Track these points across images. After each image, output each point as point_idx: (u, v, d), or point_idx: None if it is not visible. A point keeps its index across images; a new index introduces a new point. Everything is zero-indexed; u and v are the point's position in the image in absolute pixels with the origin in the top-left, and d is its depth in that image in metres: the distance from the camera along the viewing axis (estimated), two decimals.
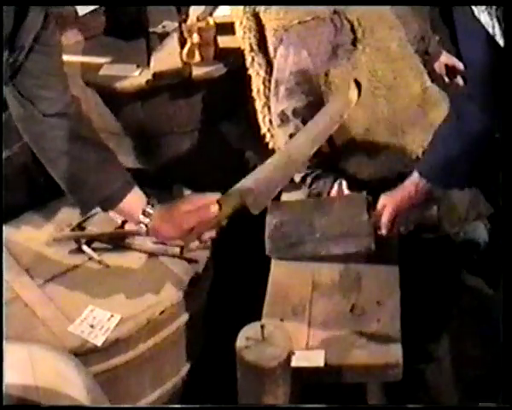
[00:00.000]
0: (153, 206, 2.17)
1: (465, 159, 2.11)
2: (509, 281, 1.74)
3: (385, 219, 2.32)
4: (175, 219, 2.14)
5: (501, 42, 1.62)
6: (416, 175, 2.25)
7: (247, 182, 2.17)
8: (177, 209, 2.16)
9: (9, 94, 2.08)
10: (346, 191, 2.54)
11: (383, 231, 2.34)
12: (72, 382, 1.81)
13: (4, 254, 2.45)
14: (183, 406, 2.37)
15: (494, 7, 1.61)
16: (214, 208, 2.11)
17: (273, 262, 2.40)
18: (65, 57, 2.83)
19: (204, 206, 2.12)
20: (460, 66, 3.00)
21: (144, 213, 2.15)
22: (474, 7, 1.64)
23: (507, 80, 1.64)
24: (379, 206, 2.35)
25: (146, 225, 2.16)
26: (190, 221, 2.13)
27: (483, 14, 1.63)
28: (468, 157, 2.11)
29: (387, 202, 2.32)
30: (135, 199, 2.17)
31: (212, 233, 2.22)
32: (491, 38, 1.64)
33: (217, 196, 2.13)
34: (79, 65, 2.98)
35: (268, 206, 2.39)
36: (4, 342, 1.83)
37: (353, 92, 2.42)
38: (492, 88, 1.74)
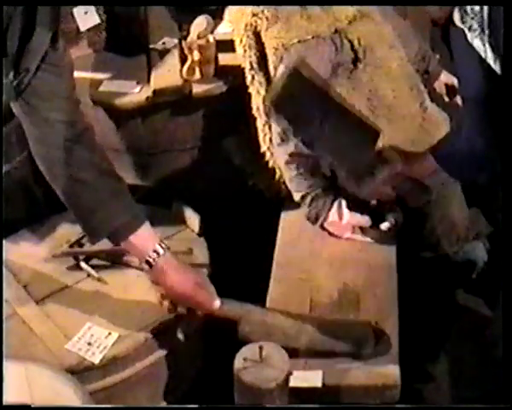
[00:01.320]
0: (166, 247, 2.18)
1: (478, 158, 2.10)
2: (509, 300, 1.73)
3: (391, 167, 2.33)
4: (183, 278, 2.19)
5: (495, 67, 1.62)
6: (428, 154, 2.26)
7: (253, 314, 2.21)
8: (190, 272, 2.22)
9: (23, 113, 2.07)
10: (346, 211, 2.54)
11: (378, 177, 2.34)
12: (68, 401, 1.81)
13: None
14: (184, 406, 2.37)
15: (486, 32, 1.62)
16: (215, 306, 2.19)
17: (271, 280, 2.40)
18: None
19: (209, 295, 2.19)
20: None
21: (156, 251, 2.16)
22: (467, 32, 1.64)
23: (506, 93, 1.64)
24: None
25: (152, 263, 2.16)
26: (193, 293, 2.19)
27: (475, 40, 1.64)
28: (474, 162, 2.10)
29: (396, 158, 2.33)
30: (146, 235, 2.18)
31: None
32: (484, 63, 1.65)
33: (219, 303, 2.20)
34: (80, 80, 2.98)
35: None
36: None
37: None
38: (488, 110, 1.75)
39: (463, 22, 1.69)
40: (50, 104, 2.05)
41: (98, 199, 2.13)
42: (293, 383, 1.94)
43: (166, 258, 2.18)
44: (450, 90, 3.02)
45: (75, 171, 2.11)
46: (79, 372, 2.13)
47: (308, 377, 2.02)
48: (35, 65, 1.96)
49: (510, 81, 1.63)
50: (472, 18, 1.64)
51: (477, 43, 1.62)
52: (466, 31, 1.63)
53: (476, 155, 2.05)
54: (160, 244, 2.18)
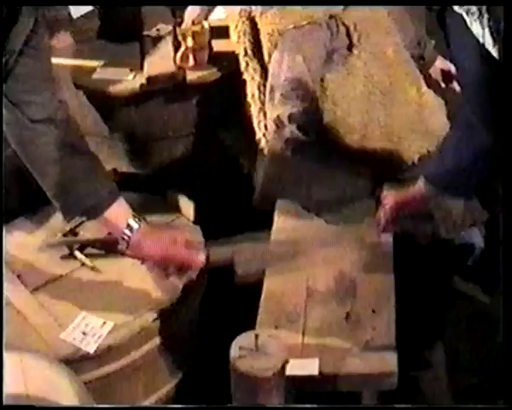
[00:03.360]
0: (139, 220, 2.16)
1: (474, 169, 2.09)
2: (507, 285, 1.72)
3: (383, 212, 2.31)
4: (160, 241, 2.16)
5: (493, 52, 1.60)
6: (423, 181, 2.23)
7: (243, 248, 2.18)
8: (165, 233, 2.19)
9: None
10: None
11: (379, 227, 2.33)
12: (63, 391, 1.79)
13: None
14: (183, 406, 2.34)
15: (486, 16, 1.60)
16: (202, 258, 2.14)
17: (268, 269, 2.38)
18: (58, 60, 2.86)
19: (193, 248, 2.15)
20: (455, 71, 2.98)
21: (129, 225, 2.14)
22: (465, 16, 1.62)
23: (506, 84, 1.63)
24: (381, 197, 2.33)
25: (129, 238, 2.14)
26: (175, 250, 2.15)
27: (474, 24, 1.62)
28: (476, 167, 2.08)
29: (390, 197, 2.31)
30: (119, 210, 2.16)
31: (191, 275, 2.25)
32: (483, 49, 1.63)
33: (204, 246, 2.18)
34: (72, 68, 2.96)
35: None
36: None
37: None
38: (487, 97, 1.73)
39: (461, 5, 1.66)
40: (25, 86, 2.04)
41: (72, 177, 2.11)
42: (289, 371, 1.92)
43: (141, 230, 2.15)
44: (446, 75, 3.01)
45: (48, 150, 2.09)
46: (74, 362, 2.11)
47: (305, 366, 2.01)
48: (18, 47, 1.95)
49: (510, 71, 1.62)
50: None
51: (476, 28, 1.60)
52: (464, 15, 1.60)
53: (464, 166, 2.04)
54: (133, 217, 2.16)
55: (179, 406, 2.37)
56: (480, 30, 1.60)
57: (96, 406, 1.99)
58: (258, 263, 2.10)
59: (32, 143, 2.09)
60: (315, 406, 1.95)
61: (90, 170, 2.15)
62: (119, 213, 2.16)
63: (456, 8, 1.64)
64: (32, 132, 2.07)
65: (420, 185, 2.24)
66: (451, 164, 2.14)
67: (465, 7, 1.61)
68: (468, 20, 1.62)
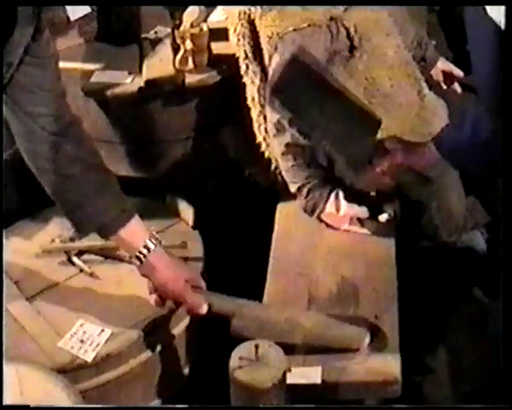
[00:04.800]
0: (156, 240, 2.14)
1: (487, 149, 2.07)
2: (508, 288, 1.71)
3: (389, 157, 2.29)
4: (173, 273, 2.15)
5: None
6: (430, 144, 2.23)
7: (245, 308, 2.16)
8: (180, 269, 2.19)
9: (7, 108, 2.02)
10: (344, 202, 2.51)
11: (378, 167, 2.31)
12: (60, 402, 1.77)
13: None
14: (183, 406, 2.34)
15: None
16: (204, 309, 2.14)
17: (268, 275, 2.36)
18: None
19: (197, 298, 2.15)
20: (457, 72, 2.97)
21: (146, 246, 2.12)
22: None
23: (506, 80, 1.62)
24: (387, 144, 2.32)
25: (143, 258, 2.13)
26: (181, 290, 2.15)
27: (495, 10, 1.60)
28: (489, 148, 2.07)
29: (398, 147, 2.29)
30: (136, 229, 2.14)
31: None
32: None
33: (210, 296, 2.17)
34: (70, 72, 2.94)
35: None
36: None
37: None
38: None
39: (461, 5, 1.65)
40: (34, 97, 2.01)
41: (86, 193, 2.09)
42: (291, 380, 1.90)
43: (157, 253, 2.14)
44: (448, 77, 2.99)
45: (62, 165, 2.06)
46: (72, 371, 2.11)
47: (307, 374, 1.99)
48: (18, 59, 1.92)
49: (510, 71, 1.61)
50: None
51: (496, 14, 1.59)
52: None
53: (483, 140, 2.02)
54: (150, 239, 2.14)
55: (179, 406, 2.36)
56: (501, 15, 1.59)
57: (95, 406, 1.98)
58: (255, 330, 2.08)
59: (44, 156, 2.06)
60: (315, 406, 1.94)
61: (106, 186, 2.13)
62: (136, 233, 2.14)
63: None
64: (45, 147, 2.04)
65: (429, 147, 2.23)
66: (466, 138, 2.13)
67: None
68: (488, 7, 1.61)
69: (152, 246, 2.13)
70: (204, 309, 2.14)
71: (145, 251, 2.12)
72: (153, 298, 2.19)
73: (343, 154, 2.39)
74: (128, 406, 2.26)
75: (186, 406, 2.32)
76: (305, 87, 2.27)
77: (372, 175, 2.33)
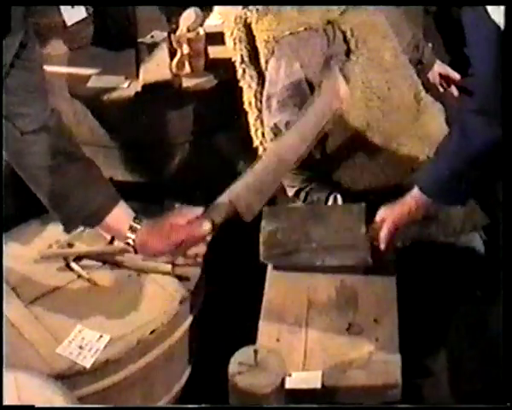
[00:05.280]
0: (140, 221, 2.11)
1: (468, 176, 2.07)
2: (508, 292, 1.70)
3: (383, 233, 2.27)
4: (163, 233, 2.10)
5: None
6: (416, 190, 2.20)
7: (236, 188, 2.13)
8: (165, 223, 2.11)
9: None
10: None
11: (381, 246, 2.29)
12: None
13: None
14: (183, 406, 2.34)
15: None
16: (207, 226, 2.07)
17: (267, 280, 2.36)
18: (52, 68, 2.84)
19: (195, 222, 2.09)
20: (454, 75, 2.97)
21: (131, 228, 2.10)
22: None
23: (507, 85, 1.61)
24: (378, 219, 2.30)
25: (133, 241, 2.10)
26: (179, 235, 2.09)
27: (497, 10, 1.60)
28: (471, 174, 2.07)
29: (387, 216, 2.28)
30: (121, 214, 2.11)
31: (203, 248, 2.18)
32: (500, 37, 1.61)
33: (208, 213, 2.10)
34: (67, 76, 2.94)
35: (263, 211, 2.35)
36: None
37: (343, 86, 2.30)
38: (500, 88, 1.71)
39: (461, 6, 1.65)
40: (16, 98, 2.00)
41: (69, 185, 2.07)
42: (291, 384, 1.90)
43: (143, 230, 2.11)
44: (444, 80, 2.99)
45: (42, 159, 2.05)
46: (71, 377, 2.10)
47: (307, 379, 1.99)
48: (8, 62, 1.92)
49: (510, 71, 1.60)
50: None
51: (497, 14, 1.58)
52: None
53: (485, 150, 2.01)
54: (134, 220, 2.11)
55: (179, 406, 2.37)
56: (500, 15, 1.58)
57: (95, 406, 1.97)
58: (258, 198, 2.07)
59: (24, 153, 2.05)
60: (315, 406, 1.94)
61: (87, 176, 2.10)
62: (121, 218, 2.11)
63: None
64: (23, 144, 2.03)
65: (414, 195, 2.22)
66: (444, 172, 2.13)
67: None
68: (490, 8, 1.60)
69: (138, 226, 2.10)
70: (206, 226, 2.09)
71: (132, 235, 2.10)
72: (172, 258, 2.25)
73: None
74: (126, 406, 2.25)
75: (186, 406, 2.32)
76: None
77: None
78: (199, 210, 2.12)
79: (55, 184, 2.07)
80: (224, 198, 2.12)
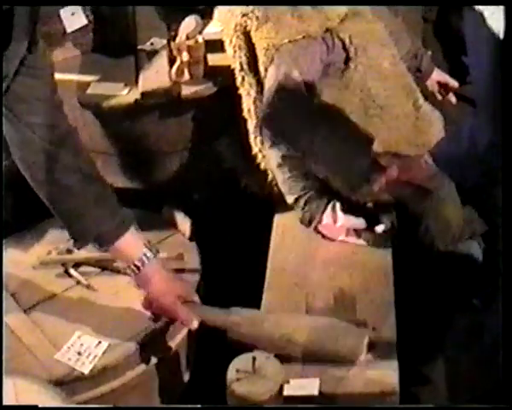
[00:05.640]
0: (152, 252, 2.15)
1: (484, 160, 2.08)
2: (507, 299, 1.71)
3: (387, 173, 2.30)
4: (166, 286, 2.15)
5: None
6: (427, 156, 2.25)
7: (240, 318, 2.15)
8: (174, 282, 2.19)
9: (4, 118, 2.03)
10: (340, 214, 2.51)
11: (375, 185, 2.31)
12: None
13: None
14: (183, 406, 2.35)
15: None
16: (194, 324, 2.15)
17: (265, 286, 2.36)
18: None
19: (190, 313, 2.15)
20: (452, 83, 2.98)
21: (143, 256, 2.13)
22: (485, 13, 1.62)
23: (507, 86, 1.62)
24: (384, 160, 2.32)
25: (137, 270, 2.13)
26: (173, 305, 2.15)
27: (495, 17, 1.61)
28: (486, 159, 2.08)
29: (395, 162, 2.29)
30: (132, 240, 2.15)
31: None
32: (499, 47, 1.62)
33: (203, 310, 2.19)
34: (66, 83, 2.94)
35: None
36: None
37: None
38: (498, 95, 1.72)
39: (461, 6, 1.65)
40: (30, 107, 2.01)
41: (83, 204, 2.10)
42: (289, 391, 1.90)
43: (153, 265, 2.15)
44: (443, 87, 3.00)
45: (58, 176, 2.07)
46: (69, 383, 2.10)
47: (304, 386, 1.99)
48: (12, 70, 1.92)
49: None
50: None
51: (495, 21, 1.59)
52: (487, 8, 1.59)
53: (480, 152, 2.03)
54: (147, 250, 2.14)
55: (179, 406, 2.36)
56: (499, 24, 1.59)
57: (95, 406, 1.99)
58: (250, 344, 2.07)
59: (41, 166, 2.06)
60: (314, 406, 1.94)
61: (103, 197, 2.14)
62: (133, 243, 2.15)
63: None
64: (41, 157, 2.05)
65: (425, 160, 2.25)
66: (462, 149, 2.14)
67: None
68: (487, 12, 1.61)
69: (148, 258, 2.14)
70: (195, 325, 2.15)
71: (140, 263, 2.13)
72: (148, 313, 2.21)
73: (338, 175, 2.40)
74: (126, 406, 2.25)
75: (186, 406, 2.32)
76: (292, 115, 2.30)
77: (370, 192, 2.34)
78: (196, 309, 2.19)
79: (69, 201, 2.10)
80: (224, 318, 2.16)
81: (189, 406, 2.27)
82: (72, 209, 2.10)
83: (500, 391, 1.78)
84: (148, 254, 2.14)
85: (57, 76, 2.81)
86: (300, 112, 2.41)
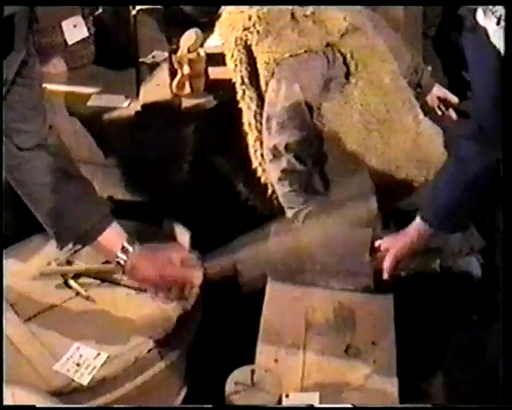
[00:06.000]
0: (133, 243, 2.13)
1: (468, 203, 2.09)
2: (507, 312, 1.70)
3: (387, 263, 2.28)
4: (155, 262, 2.13)
5: None
6: (418, 220, 2.21)
7: (245, 254, 2.14)
8: (159, 253, 2.15)
9: None
10: None
11: (384, 275, 2.30)
12: None
13: None
14: (183, 406, 2.35)
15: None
16: (199, 276, 2.13)
17: (265, 300, 2.36)
18: (52, 87, 2.84)
19: (189, 266, 2.13)
20: (452, 98, 2.99)
21: (123, 249, 2.11)
22: (493, 26, 1.62)
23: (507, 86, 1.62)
24: (382, 248, 2.31)
25: (124, 262, 2.12)
26: (170, 271, 2.13)
27: (497, 34, 1.61)
28: (471, 200, 2.08)
29: (390, 246, 2.28)
30: (113, 235, 2.13)
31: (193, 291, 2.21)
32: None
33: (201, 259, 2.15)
34: (67, 95, 2.95)
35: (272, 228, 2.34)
36: None
37: None
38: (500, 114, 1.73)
39: (493, 12, 1.65)
40: (15, 115, 2.02)
41: (64, 202, 2.09)
42: (288, 405, 1.90)
43: (136, 253, 2.13)
44: (443, 103, 3.00)
45: (38, 175, 2.07)
46: (68, 394, 2.10)
47: (305, 399, 1.98)
48: (10, 79, 1.94)
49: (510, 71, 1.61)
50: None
51: (498, 38, 1.59)
52: (492, 26, 1.59)
53: (484, 176, 2.02)
54: (127, 241, 2.13)
55: (179, 406, 2.35)
56: (501, 40, 1.59)
57: (95, 406, 1.99)
58: (262, 267, 2.06)
59: (21, 169, 2.07)
60: (313, 406, 1.93)
61: (82, 194, 2.13)
62: (113, 238, 2.13)
63: (481, 21, 1.63)
64: (20, 160, 2.05)
65: (416, 225, 2.23)
66: (444, 201, 2.14)
67: (498, 13, 1.60)
68: (495, 29, 1.61)
69: (130, 249, 2.12)
70: (199, 275, 2.14)
71: (123, 256, 2.12)
72: (160, 297, 2.19)
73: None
74: (127, 406, 2.23)
75: (186, 406, 2.32)
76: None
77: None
78: (195, 259, 2.16)
79: (51, 200, 2.08)
80: (228, 257, 2.14)
81: (192, 406, 2.27)
82: (52, 208, 2.09)
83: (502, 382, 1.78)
84: (129, 244, 2.12)
85: (58, 88, 2.84)
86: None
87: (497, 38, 1.62)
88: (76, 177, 2.14)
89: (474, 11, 1.73)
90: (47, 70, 3.00)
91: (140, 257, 2.13)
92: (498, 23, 1.63)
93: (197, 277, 2.14)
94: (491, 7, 1.65)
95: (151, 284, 2.18)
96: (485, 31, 1.66)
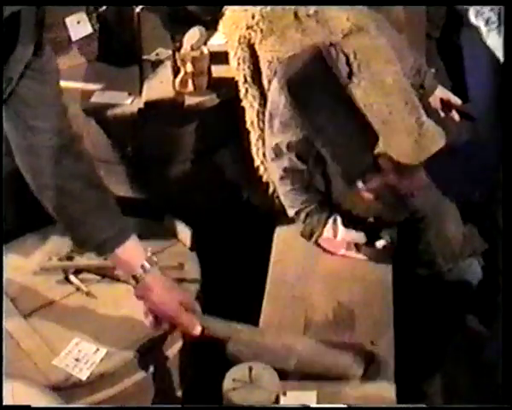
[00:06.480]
0: (153, 262, 2.15)
1: (479, 180, 2.09)
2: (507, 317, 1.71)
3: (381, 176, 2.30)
4: (168, 295, 2.15)
5: None
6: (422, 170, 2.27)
7: (240, 334, 2.15)
8: (175, 290, 2.18)
9: (9, 123, 2.03)
10: (341, 228, 2.52)
11: (369, 183, 2.32)
12: None
13: None
14: (184, 406, 2.35)
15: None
16: (197, 330, 2.14)
17: (265, 300, 2.36)
18: None
19: (191, 319, 2.15)
20: (455, 100, 2.98)
21: (142, 266, 2.12)
22: (483, 27, 1.63)
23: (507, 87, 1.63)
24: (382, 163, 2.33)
25: (139, 278, 2.13)
26: (175, 312, 2.15)
27: (492, 34, 1.62)
28: (481, 179, 2.09)
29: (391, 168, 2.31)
30: (133, 249, 2.14)
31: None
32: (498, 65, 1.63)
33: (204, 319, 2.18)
34: (71, 91, 2.95)
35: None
36: None
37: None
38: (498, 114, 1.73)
39: (481, 14, 1.66)
40: (35, 111, 2.02)
41: (85, 211, 2.10)
42: (286, 403, 1.90)
43: (153, 274, 2.14)
44: (446, 105, 2.99)
45: (62, 181, 2.07)
46: (66, 389, 2.11)
47: (302, 399, 1.99)
48: (18, 74, 1.93)
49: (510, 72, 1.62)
50: (491, 9, 1.62)
51: (493, 39, 1.60)
52: (482, 27, 1.60)
53: (476, 168, 2.03)
54: (147, 260, 2.14)
55: (179, 406, 2.36)
56: (497, 41, 1.60)
57: (94, 406, 2.00)
58: (250, 354, 2.07)
59: (45, 172, 2.07)
60: (315, 406, 1.94)
61: (105, 204, 2.14)
62: (133, 252, 2.14)
63: (473, 21, 1.64)
64: (45, 161, 2.05)
65: (421, 173, 2.28)
66: (458, 170, 2.14)
67: (485, 15, 1.61)
68: (484, 31, 1.62)
69: (148, 267, 2.13)
70: (197, 330, 2.15)
71: (141, 271, 2.13)
72: (148, 320, 2.19)
73: (340, 164, 2.40)
74: (126, 407, 2.25)
75: (186, 406, 2.32)
76: (322, 87, 2.28)
77: (361, 189, 2.35)
78: (198, 317, 2.18)
79: (72, 207, 2.10)
80: (225, 328, 2.16)
81: (189, 406, 2.27)
82: (74, 216, 2.10)
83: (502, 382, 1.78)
84: (148, 263, 2.14)
85: (62, 84, 2.83)
86: (330, 86, 2.41)
87: (488, 37, 1.62)
88: (98, 186, 2.15)
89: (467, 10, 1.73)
90: None
91: (155, 281, 2.15)
92: (487, 24, 1.63)
93: (195, 332, 2.16)
94: (478, 8, 1.66)
95: (151, 308, 2.18)
96: (477, 29, 1.67)
